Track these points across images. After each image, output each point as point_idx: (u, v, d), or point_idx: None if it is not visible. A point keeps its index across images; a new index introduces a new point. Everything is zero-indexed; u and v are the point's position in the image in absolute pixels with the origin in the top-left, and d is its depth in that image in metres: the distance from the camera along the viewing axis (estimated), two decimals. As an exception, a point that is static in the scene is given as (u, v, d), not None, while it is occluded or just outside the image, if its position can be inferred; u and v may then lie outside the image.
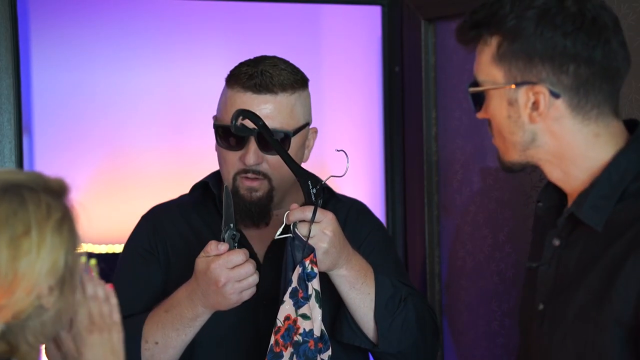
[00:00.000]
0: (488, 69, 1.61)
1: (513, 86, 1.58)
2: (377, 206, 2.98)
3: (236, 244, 1.91)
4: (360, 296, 1.98)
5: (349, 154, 1.95)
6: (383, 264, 2.07)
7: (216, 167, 2.12)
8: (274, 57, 2.08)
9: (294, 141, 2.04)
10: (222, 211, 1.93)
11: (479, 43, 1.63)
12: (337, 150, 1.98)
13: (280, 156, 1.92)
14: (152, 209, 2.19)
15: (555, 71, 1.55)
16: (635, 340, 1.49)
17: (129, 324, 1.91)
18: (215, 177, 2.15)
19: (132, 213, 2.17)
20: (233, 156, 2.03)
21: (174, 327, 1.95)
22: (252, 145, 2.00)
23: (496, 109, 1.62)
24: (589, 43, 1.55)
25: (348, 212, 2.14)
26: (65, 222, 1.37)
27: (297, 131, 2.05)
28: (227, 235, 1.90)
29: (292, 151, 2.02)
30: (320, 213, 1.88)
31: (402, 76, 2.88)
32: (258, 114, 1.96)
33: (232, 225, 1.90)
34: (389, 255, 2.16)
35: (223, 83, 2.07)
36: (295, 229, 1.88)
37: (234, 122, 1.88)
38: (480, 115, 1.67)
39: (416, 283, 2.81)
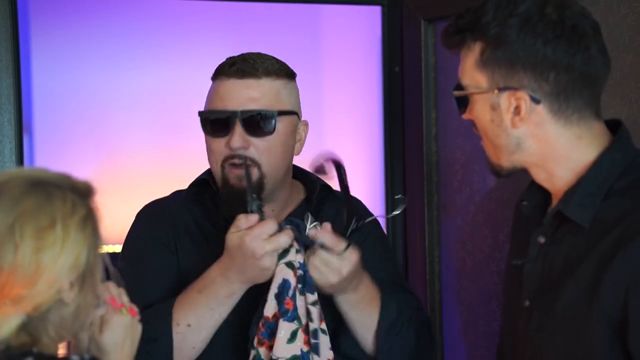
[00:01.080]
0: (472, 73, 1.65)
1: (496, 91, 1.62)
2: (377, 206, 2.98)
3: (263, 213, 1.88)
4: (361, 317, 1.96)
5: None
6: (382, 264, 2.07)
7: (216, 167, 2.12)
8: (260, 52, 2.08)
9: (281, 125, 2.00)
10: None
11: (463, 47, 1.66)
12: (396, 197, 1.97)
13: (341, 188, 1.90)
14: (151, 204, 2.16)
15: (536, 78, 1.59)
16: (622, 335, 1.51)
17: (156, 310, 1.91)
18: (212, 174, 2.15)
19: (132, 213, 2.16)
20: (219, 144, 2.00)
21: (209, 306, 1.91)
22: (237, 128, 1.98)
23: (480, 112, 1.66)
24: (569, 50, 1.58)
25: None
26: (89, 220, 1.41)
27: (282, 113, 2.01)
28: (254, 206, 1.87)
29: (279, 137, 2.00)
30: (348, 252, 1.86)
31: (402, 76, 2.89)
32: (241, 98, 1.96)
33: (255, 195, 1.88)
34: (388, 254, 2.16)
35: (223, 83, 2.08)
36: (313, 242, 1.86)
37: (321, 166, 1.89)
38: (465, 116, 1.70)
39: (416, 283, 2.81)
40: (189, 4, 3.06)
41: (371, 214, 2.20)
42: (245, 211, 1.91)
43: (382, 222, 1.84)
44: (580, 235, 1.60)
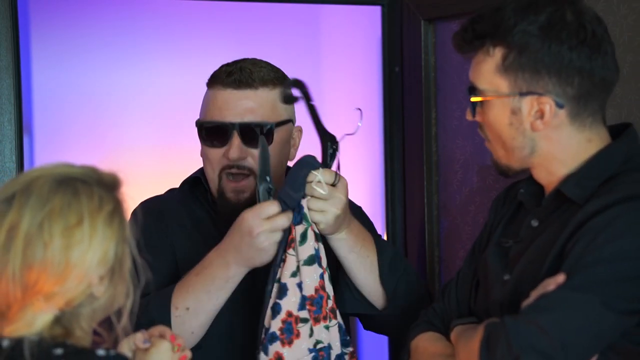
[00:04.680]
0: (491, 78, 1.68)
1: (516, 96, 1.65)
2: (377, 206, 2.98)
3: (271, 198, 1.87)
4: (360, 259, 1.98)
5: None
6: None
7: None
8: (254, 59, 2.09)
9: (277, 135, 2.04)
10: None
11: (478, 52, 1.69)
12: (357, 109, 1.95)
13: (310, 113, 1.88)
14: (146, 202, 2.16)
15: (561, 83, 1.63)
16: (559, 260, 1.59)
17: (157, 294, 1.91)
18: (204, 172, 2.16)
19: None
20: (216, 154, 2.03)
21: (206, 289, 1.91)
22: (236, 139, 2.00)
23: (498, 116, 1.69)
24: (592, 56, 1.63)
25: None
26: (116, 214, 1.43)
27: (279, 124, 2.04)
28: (261, 188, 1.87)
29: (274, 146, 2.02)
30: (339, 179, 1.87)
31: (402, 76, 2.88)
32: (239, 109, 1.98)
33: (268, 178, 1.87)
34: (375, 234, 2.17)
35: (223, 83, 2.08)
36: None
37: (287, 92, 1.88)
38: (476, 118, 1.72)
39: (416, 283, 2.81)
40: (189, 4, 3.06)
41: (353, 203, 2.18)
42: None
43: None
44: (568, 213, 1.65)
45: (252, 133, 2.01)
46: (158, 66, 3.07)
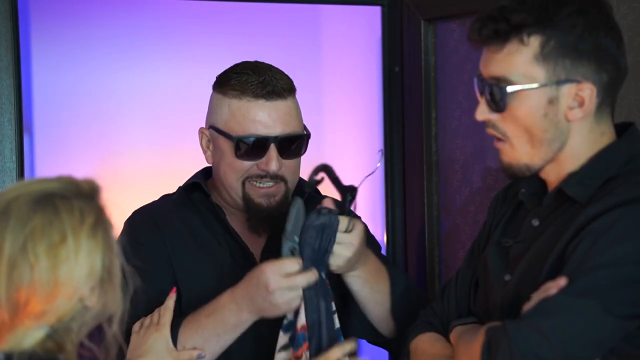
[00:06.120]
0: (526, 67, 1.64)
1: (554, 85, 1.63)
2: (377, 206, 2.98)
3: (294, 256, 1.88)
4: (372, 294, 2.01)
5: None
6: (370, 249, 2.08)
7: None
8: (262, 63, 2.09)
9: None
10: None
11: (507, 43, 1.64)
12: (379, 151, 2.01)
13: (331, 179, 1.92)
14: (139, 211, 2.15)
15: (599, 69, 1.62)
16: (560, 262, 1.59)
17: None
18: (204, 177, 2.15)
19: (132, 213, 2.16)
20: (247, 165, 2.04)
21: (215, 332, 1.91)
22: (274, 152, 2.02)
23: (532, 107, 1.64)
24: (619, 45, 1.64)
25: None
26: (99, 224, 1.41)
27: (306, 132, 2.09)
28: (286, 246, 1.87)
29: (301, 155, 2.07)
30: (354, 224, 1.90)
31: (402, 76, 2.88)
32: (275, 121, 2.00)
33: (296, 238, 1.86)
34: (375, 244, 2.19)
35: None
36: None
37: (312, 179, 1.89)
38: (492, 117, 1.68)
39: (416, 283, 2.81)
40: (189, 4, 3.06)
41: (358, 216, 2.20)
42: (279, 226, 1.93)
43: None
44: (570, 212, 1.65)
45: (288, 144, 2.03)
46: (158, 66, 3.07)
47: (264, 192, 2.04)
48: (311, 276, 1.84)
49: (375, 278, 2.00)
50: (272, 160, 2.01)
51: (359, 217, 2.03)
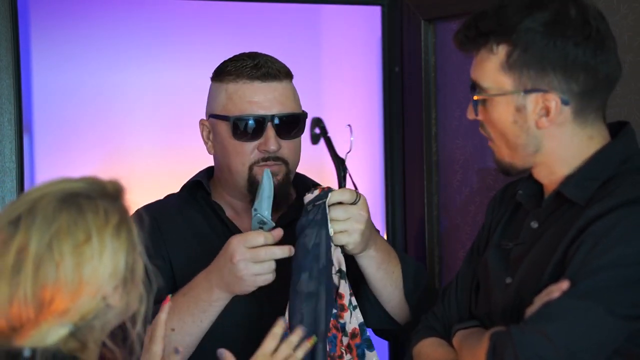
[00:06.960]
0: (495, 76, 1.66)
1: (521, 94, 1.64)
2: (377, 206, 2.98)
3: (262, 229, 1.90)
4: (387, 275, 2.01)
5: (349, 155, 1.96)
6: None
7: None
8: (256, 52, 2.12)
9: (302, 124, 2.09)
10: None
11: (481, 50, 1.68)
12: (347, 125, 1.98)
13: (327, 144, 1.92)
14: (142, 209, 2.11)
15: (566, 79, 1.62)
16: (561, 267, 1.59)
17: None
18: (206, 176, 2.16)
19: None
20: (247, 147, 2.04)
21: (190, 311, 1.92)
22: (271, 132, 2.03)
23: (502, 114, 1.67)
24: (596, 52, 1.62)
25: None
26: (123, 224, 1.43)
27: (304, 114, 2.09)
28: (254, 220, 1.90)
29: (300, 136, 2.07)
30: (357, 195, 1.91)
31: (402, 76, 2.88)
32: (271, 101, 2.01)
33: (266, 213, 1.89)
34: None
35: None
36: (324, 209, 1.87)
37: (313, 133, 1.90)
38: (479, 117, 1.71)
39: (416, 283, 2.80)
40: (189, 4, 3.06)
41: None
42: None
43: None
44: (569, 214, 1.65)
45: (285, 125, 2.04)
46: (158, 66, 3.07)
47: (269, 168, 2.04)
48: (277, 251, 1.86)
49: (387, 258, 2.01)
50: (270, 139, 2.02)
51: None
